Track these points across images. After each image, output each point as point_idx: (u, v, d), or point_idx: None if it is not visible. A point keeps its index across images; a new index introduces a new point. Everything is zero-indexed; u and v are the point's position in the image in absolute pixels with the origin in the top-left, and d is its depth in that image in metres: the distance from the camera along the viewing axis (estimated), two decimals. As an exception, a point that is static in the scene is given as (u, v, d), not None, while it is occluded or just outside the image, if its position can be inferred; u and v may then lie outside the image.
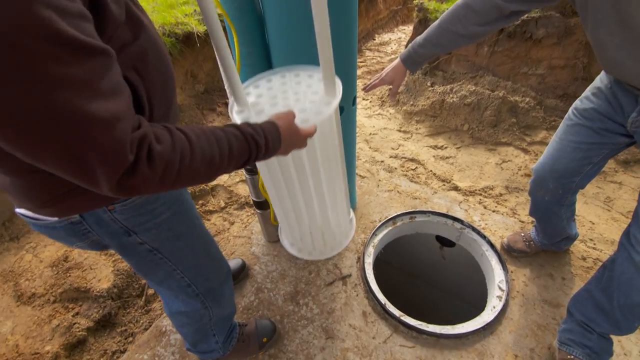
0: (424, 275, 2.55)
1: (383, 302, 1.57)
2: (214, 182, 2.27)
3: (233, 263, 1.72)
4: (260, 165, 1.12)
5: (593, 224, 1.88)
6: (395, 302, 1.66)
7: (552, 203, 1.46)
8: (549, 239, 1.65)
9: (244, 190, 2.25)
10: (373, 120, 2.79)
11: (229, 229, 2.00)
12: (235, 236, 1.95)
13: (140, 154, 0.50)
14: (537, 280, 1.65)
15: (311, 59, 1.21)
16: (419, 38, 1.25)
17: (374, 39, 5.24)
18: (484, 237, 1.81)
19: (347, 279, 1.70)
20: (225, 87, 1.30)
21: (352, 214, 1.56)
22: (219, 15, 1.09)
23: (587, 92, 1.25)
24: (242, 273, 1.72)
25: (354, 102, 1.51)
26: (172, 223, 0.91)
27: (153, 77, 0.69)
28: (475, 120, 2.47)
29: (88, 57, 0.44)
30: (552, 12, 2.48)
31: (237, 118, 0.95)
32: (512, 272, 1.68)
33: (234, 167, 0.67)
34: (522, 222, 1.92)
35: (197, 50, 2.66)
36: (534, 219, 1.68)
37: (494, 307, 1.56)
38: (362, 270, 1.71)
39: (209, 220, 2.04)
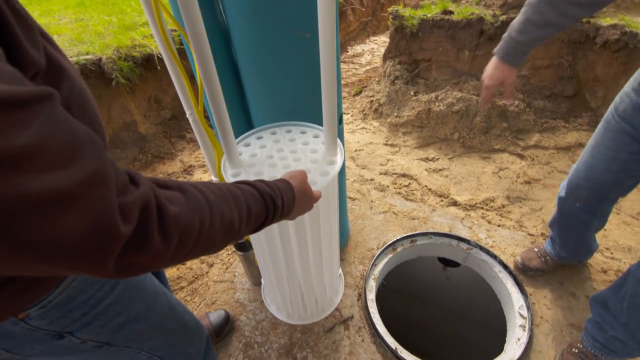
0: (428, 297, 2.36)
1: (394, 347, 1.35)
2: (188, 219, 2.01)
3: (215, 316, 1.47)
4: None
5: (605, 230, 1.75)
6: (399, 329, 1.46)
7: (584, 212, 1.28)
8: (569, 251, 1.47)
9: (222, 225, 2.00)
10: (357, 135, 2.61)
11: (207, 272, 1.75)
12: (216, 281, 1.69)
13: (147, 221, 0.37)
14: (559, 302, 1.47)
15: (290, 77, 1.03)
16: (514, 25, 1.01)
17: (347, 51, 5.14)
18: (494, 257, 1.63)
19: (349, 321, 1.48)
20: (199, 142, 1.09)
21: (340, 270, 1.51)
22: (174, 31, 0.88)
23: (627, 87, 1.05)
24: (226, 327, 1.47)
25: (340, 121, 1.33)
26: (122, 306, 0.68)
27: None
28: (465, 127, 2.33)
29: (24, 112, 0.29)
30: (531, 12, 2.40)
31: (232, 181, 0.83)
32: (530, 294, 1.51)
33: (249, 231, 0.55)
34: (531, 235, 1.76)
35: (159, 73, 2.43)
36: (551, 230, 1.50)
37: (519, 340, 1.37)
38: (365, 309, 1.49)
39: (184, 264, 1.78)
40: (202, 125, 1.03)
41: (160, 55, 2.31)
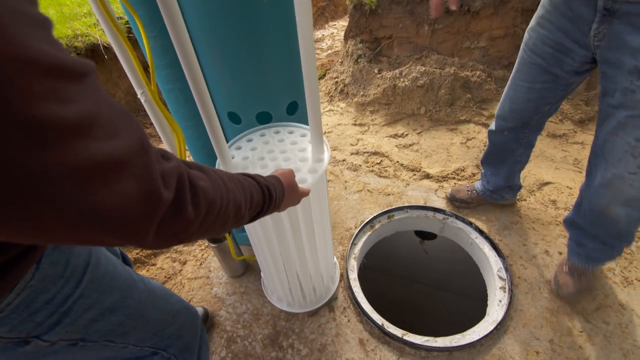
0: (408, 273, 2.37)
1: (380, 323, 1.33)
2: (154, 217, 1.89)
3: (192, 314, 1.39)
4: (252, 225, 1.05)
5: (570, 189, 1.81)
6: (383, 307, 1.47)
7: (512, 140, 1.44)
8: (495, 186, 1.61)
9: (192, 220, 1.90)
10: (325, 117, 2.56)
11: (180, 270, 1.65)
12: (191, 278, 1.60)
13: (182, 190, 0.39)
14: (535, 261, 1.51)
15: (247, 52, 0.95)
16: None
17: (307, 37, 5.05)
18: (470, 223, 1.65)
19: (333, 302, 1.45)
20: (160, 137, 0.99)
21: (334, 257, 1.54)
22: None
23: (533, 22, 1.16)
24: (206, 323, 1.40)
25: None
26: (91, 299, 0.62)
27: None
28: (431, 101, 2.34)
29: (87, 82, 0.30)
30: (485, -18, 2.43)
31: None
32: (507, 256, 1.53)
33: (248, 219, 0.58)
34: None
35: (108, 65, 2.25)
36: (483, 167, 1.66)
37: (500, 301, 1.39)
38: (349, 289, 1.46)
39: (154, 265, 1.68)
40: (156, 105, 0.93)
41: (107, 44, 2.14)
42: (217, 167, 0.95)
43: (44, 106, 0.26)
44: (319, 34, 5.17)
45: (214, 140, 0.89)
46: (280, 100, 1.13)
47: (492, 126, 1.48)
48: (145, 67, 0.88)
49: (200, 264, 1.66)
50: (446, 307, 2.40)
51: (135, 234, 0.35)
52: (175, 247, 1.77)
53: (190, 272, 1.64)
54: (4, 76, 0.24)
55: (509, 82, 1.33)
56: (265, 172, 0.93)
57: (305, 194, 0.81)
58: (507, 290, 1.41)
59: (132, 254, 1.68)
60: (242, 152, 1.02)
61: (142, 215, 0.34)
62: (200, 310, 1.41)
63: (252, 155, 1.00)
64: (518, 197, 1.79)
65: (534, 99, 1.25)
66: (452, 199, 1.76)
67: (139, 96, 0.95)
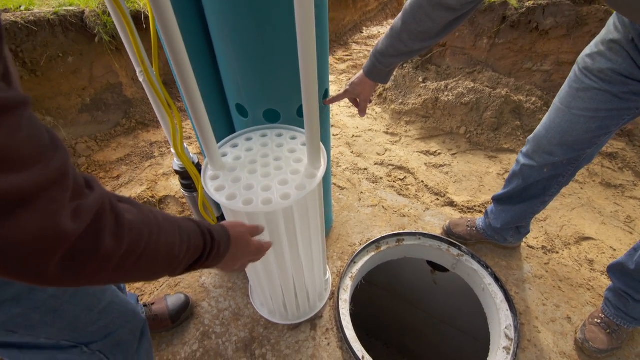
0: (412, 298, 2.22)
1: (361, 356, 1.22)
2: (164, 193, 1.89)
3: (174, 300, 1.36)
4: None
5: (614, 250, 1.57)
6: (379, 323, 1.35)
7: (549, 177, 1.24)
8: (504, 224, 1.41)
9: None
10: (357, 120, 2.43)
11: (176, 252, 1.63)
12: (183, 262, 1.57)
13: (100, 221, 0.38)
14: (552, 326, 1.32)
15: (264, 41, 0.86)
16: (379, 45, 1.04)
17: (362, 32, 4.89)
18: (486, 267, 1.48)
19: (317, 320, 1.35)
20: (165, 132, 0.94)
21: (328, 274, 1.44)
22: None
23: (600, 46, 0.97)
24: (185, 312, 1.36)
25: (326, 95, 1.17)
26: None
27: None
28: (474, 122, 2.14)
29: (6, 116, 0.30)
30: None
31: (210, 185, 0.84)
32: (521, 313, 1.36)
33: (185, 263, 0.55)
34: (531, 247, 1.60)
35: (149, 34, 2.26)
36: (494, 203, 1.45)
37: (501, 363, 1.23)
38: (336, 309, 1.36)
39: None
40: (151, 87, 0.87)
41: (148, 12, 2.14)
42: (204, 167, 0.88)
43: None
44: (374, 30, 4.99)
45: (201, 135, 0.81)
46: (290, 100, 1.03)
47: (530, 161, 1.24)
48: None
49: (196, 250, 1.63)
50: (445, 341, 2.23)
51: (31, 271, 0.33)
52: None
53: (184, 255, 1.61)
54: None
55: (557, 112, 1.12)
56: (250, 179, 0.86)
57: (263, 248, 0.79)
58: (511, 352, 1.24)
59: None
60: (237, 151, 0.95)
61: (38, 251, 0.33)
62: (181, 297, 1.37)
63: (245, 156, 0.92)
64: (549, 247, 1.58)
65: (594, 128, 1.06)
66: (448, 233, 1.60)
67: (137, 74, 0.89)
